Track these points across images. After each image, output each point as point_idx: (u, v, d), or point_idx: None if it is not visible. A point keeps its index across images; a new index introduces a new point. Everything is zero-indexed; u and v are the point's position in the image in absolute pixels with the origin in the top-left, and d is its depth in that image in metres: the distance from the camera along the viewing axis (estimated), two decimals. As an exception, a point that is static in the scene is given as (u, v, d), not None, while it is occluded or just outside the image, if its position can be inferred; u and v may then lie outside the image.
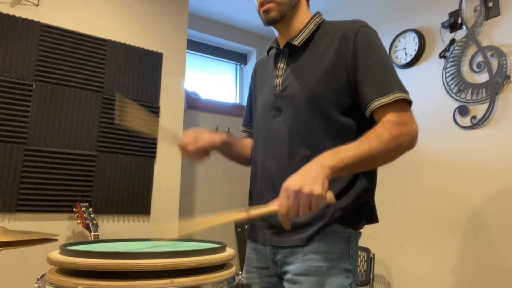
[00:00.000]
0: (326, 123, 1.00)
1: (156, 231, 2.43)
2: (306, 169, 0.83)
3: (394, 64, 2.61)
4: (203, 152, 1.12)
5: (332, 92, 0.99)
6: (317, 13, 1.12)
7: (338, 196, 0.96)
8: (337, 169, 0.84)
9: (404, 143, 0.90)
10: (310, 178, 0.80)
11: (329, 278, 0.95)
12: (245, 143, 1.27)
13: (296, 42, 1.06)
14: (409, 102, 0.95)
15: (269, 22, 1.08)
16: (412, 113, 0.95)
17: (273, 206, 0.84)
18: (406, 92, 0.95)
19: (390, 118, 0.91)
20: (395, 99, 0.92)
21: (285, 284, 1.02)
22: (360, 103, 0.98)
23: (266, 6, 1.05)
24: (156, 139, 2.48)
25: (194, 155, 1.10)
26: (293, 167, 1.00)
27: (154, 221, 2.44)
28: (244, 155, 1.26)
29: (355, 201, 0.99)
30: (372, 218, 1.05)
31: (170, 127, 2.58)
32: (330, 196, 0.82)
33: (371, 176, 1.03)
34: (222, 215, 0.86)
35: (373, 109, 0.94)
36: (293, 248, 1.00)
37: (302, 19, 1.09)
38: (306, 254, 0.98)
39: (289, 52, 1.09)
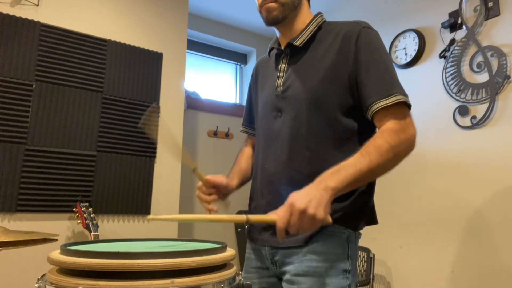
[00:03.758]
0: (327, 124, 0.99)
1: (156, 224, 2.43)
2: (311, 189, 0.84)
3: (394, 64, 2.61)
4: (220, 192, 1.14)
5: (333, 93, 0.99)
6: (319, 13, 1.12)
7: (337, 196, 0.96)
8: (339, 190, 0.85)
9: (402, 151, 0.92)
10: (316, 201, 0.81)
11: (328, 279, 0.95)
12: (248, 165, 1.27)
13: (297, 43, 1.06)
14: (408, 106, 0.95)
15: (270, 22, 1.07)
16: (411, 116, 0.95)
17: (273, 217, 0.84)
18: (406, 95, 0.95)
19: (389, 126, 0.92)
20: (396, 101, 0.92)
21: (284, 285, 1.01)
22: (361, 105, 0.98)
23: (268, 5, 1.04)
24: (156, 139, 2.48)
25: (209, 198, 1.13)
26: (293, 168, 1.01)
27: (154, 221, 2.44)
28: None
29: (354, 201, 0.99)
30: (372, 219, 1.05)
31: (171, 128, 2.58)
32: (328, 219, 0.85)
33: None
34: (221, 215, 0.86)
35: (374, 111, 0.94)
36: (292, 249, 1.00)
37: (303, 20, 1.09)
38: (305, 254, 0.98)
39: (291, 53, 1.09)
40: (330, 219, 0.85)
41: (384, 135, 0.91)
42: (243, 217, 0.86)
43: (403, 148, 0.91)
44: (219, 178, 1.13)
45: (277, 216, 0.83)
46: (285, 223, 0.81)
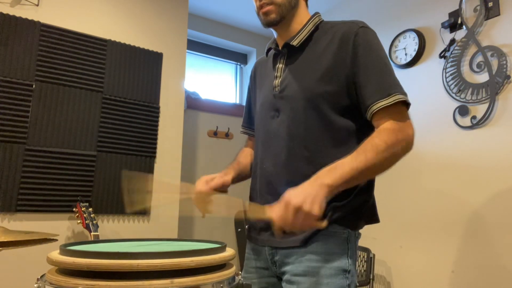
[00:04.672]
0: (325, 123, 0.99)
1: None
2: (306, 186, 0.85)
3: (394, 64, 2.61)
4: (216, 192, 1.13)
5: (330, 92, 0.99)
6: (316, 13, 1.12)
7: (336, 196, 0.96)
8: (335, 187, 0.86)
9: (399, 151, 0.91)
10: (311, 197, 0.82)
11: (328, 279, 0.95)
12: (246, 161, 1.25)
13: (295, 43, 1.06)
14: (407, 105, 0.96)
15: (268, 24, 1.08)
16: (409, 116, 0.96)
17: (270, 213, 0.85)
18: (405, 94, 0.95)
19: (387, 125, 0.92)
20: (396, 101, 0.92)
21: (284, 285, 1.02)
22: (360, 105, 0.98)
23: (266, 9, 1.05)
24: (156, 138, 2.48)
25: (207, 203, 1.12)
26: (292, 168, 1.01)
27: (154, 221, 2.44)
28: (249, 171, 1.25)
29: (353, 201, 0.99)
30: (373, 217, 1.05)
31: (171, 128, 2.58)
32: (322, 223, 0.84)
33: None
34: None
35: (374, 112, 0.94)
36: (292, 249, 1.00)
37: (301, 20, 1.09)
38: (305, 254, 0.98)
39: (288, 53, 1.09)
40: (324, 224, 0.85)
41: (382, 134, 0.91)
42: (241, 204, 0.88)
43: (400, 148, 0.91)
44: (214, 182, 1.11)
45: (273, 214, 0.84)
46: (282, 221, 0.82)
